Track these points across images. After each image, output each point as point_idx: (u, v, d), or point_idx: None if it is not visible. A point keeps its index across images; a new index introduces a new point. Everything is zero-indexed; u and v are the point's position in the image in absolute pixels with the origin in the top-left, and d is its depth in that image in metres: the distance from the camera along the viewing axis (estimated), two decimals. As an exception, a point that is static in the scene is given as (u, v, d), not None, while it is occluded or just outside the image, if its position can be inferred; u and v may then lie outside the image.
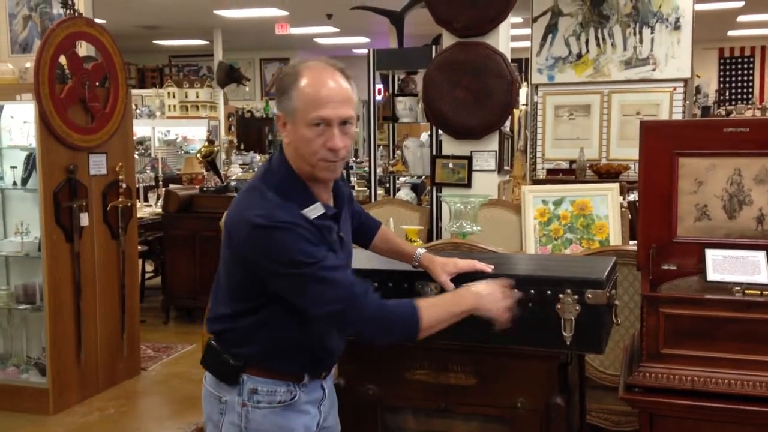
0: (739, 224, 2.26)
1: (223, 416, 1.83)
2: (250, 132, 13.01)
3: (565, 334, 1.96)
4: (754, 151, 2.22)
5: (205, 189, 6.03)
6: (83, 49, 4.56)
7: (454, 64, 4.77)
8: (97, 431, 3.91)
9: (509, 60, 4.87)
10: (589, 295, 1.95)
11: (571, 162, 6.49)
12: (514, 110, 10.45)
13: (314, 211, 1.75)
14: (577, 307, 1.95)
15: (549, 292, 1.99)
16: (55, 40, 3.97)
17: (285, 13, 10.86)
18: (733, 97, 14.09)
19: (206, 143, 9.09)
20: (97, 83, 4.27)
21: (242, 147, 11.82)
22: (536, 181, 6.47)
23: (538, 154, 6.85)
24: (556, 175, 6.41)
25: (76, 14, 4.33)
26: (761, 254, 2.15)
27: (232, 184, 6.15)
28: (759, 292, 2.06)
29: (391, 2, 6.59)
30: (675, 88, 6.30)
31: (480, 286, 1.88)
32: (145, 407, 4.33)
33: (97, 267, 4.33)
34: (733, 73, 14.32)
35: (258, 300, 1.78)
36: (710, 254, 2.19)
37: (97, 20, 11.46)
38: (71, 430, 3.91)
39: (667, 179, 2.29)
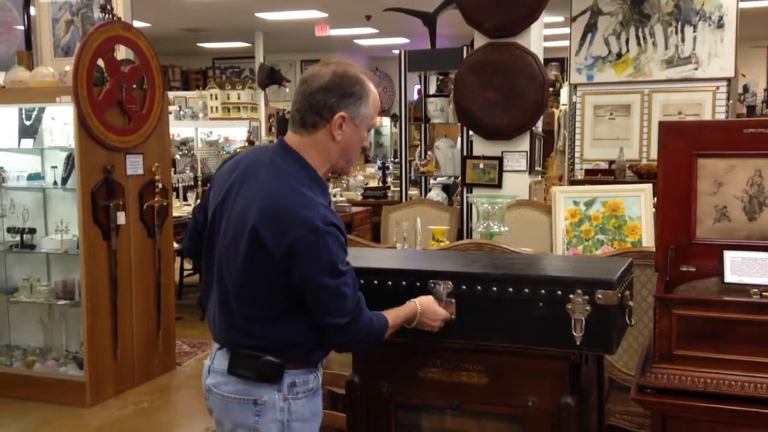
0: (759, 226, 2.23)
1: (260, 417, 1.88)
2: (291, 132, 13.11)
3: (575, 334, 1.97)
4: (774, 151, 2.19)
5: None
6: (122, 52, 4.69)
7: (485, 65, 4.78)
8: (131, 424, 4.02)
9: (541, 60, 4.85)
10: (600, 296, 1.95)
11: (611, 162, 6.42)
12: (555, 110, 10.39)
13: (332, 203, 1.96)
14: (588, 308, 1.95)
15: (559, 292, 1.99)
16: (93, 44, 4.09)
17: (324, 14, 10.95)
18: (783, 96, 13.71)
19: (246, 144, 9.24)
20: (134, 86, 4.39)
21: (283, 147, 11.94)
22: (573, 182, 6.42)
23: (577, 155, 6.79)
24: (594, 176, 6.34)
25: (115, 18, 4.44)
26: (781, 256, 2.12)
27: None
28: (776, 294, 2.03)
29: (424, 4, 6.61)
30: (718, 88, 6.19)
31: (425, 304, 2.06)
32: (179, 401, 4.43)
33: (133, 264, 4.45)
34: (783, 71, 13.92)
35: (287, 304, 1.84)
36: (728, 256, 2.17)
37: (142, 24, 11.69)
38: (106, 422, 4.03)
39: (686, 180, 2.27)
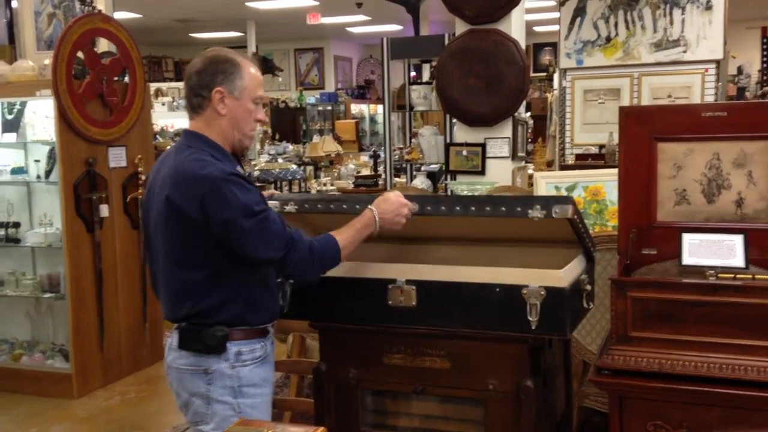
0: (718, 208, 2.25)
1: (211, 385, 2.04)
2: (285, 122, 13.14)
3: (530, 318, 1.99)
4: (732, 135, 2.20)
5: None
6: (104, 45, 4.70)
7: (466, 52, 4.77)
8: (117, 414, 4.06)
9: (522, 46, 4.86)
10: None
11: (601, 147, 6.42)
12: (548, 95, 10.34)
13: (240, 171, 2.05)
14: (542, 292, 1.98)
15: (516, 277, 2.02)
16: (72, 37, 4.10)
17: (315, 2, 10.93)
18: (777, 77, 13.64)
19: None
20: (115, 78, 4.40)
21: (277, 137, 11.97)
22: (564, 167, 6.42)
23: (567, 140, 6.79)
24: (585, 161, 6.34)
25: (95, 11, 4.45)
26: (738, 238, 2.14)
27: (255, 173, 6.26)
28: (732, 275, 2.06)
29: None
30: (707, 70, 6.18)
31: (382, 206, 2.10)
32: (165, 392, 4.44)
33: (118, 257, 4.48)
34: (777, 52, 13.84)
35: (218, 263, 1.99)
36: (687, 238, 2.19)
37: (133, 15, 11.58)
38: (93, 413, 4.07)
39: (647, 164, 2.29)
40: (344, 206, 2.25)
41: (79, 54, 4.21)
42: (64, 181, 4.13)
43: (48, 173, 4.34)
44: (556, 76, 9.34)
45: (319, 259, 2.01)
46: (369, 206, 2.10)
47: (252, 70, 2.06)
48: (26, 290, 4.39)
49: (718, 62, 6.14)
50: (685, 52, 6.14)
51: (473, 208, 2.09)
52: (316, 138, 11.39)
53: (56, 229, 4.30)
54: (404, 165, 6.34)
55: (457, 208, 2.11)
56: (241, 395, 2.06)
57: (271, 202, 2.27)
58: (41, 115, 4.36)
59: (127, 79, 4.51)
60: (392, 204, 2.11)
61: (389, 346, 2.23)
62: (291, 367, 3.40)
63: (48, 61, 4.18)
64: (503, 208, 2.05)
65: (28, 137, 4.45)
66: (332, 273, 2.20)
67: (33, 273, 4.50)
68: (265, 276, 2.09)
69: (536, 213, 1.99)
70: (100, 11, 4.54)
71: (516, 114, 4.89)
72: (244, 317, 2.05)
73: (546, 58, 14.03)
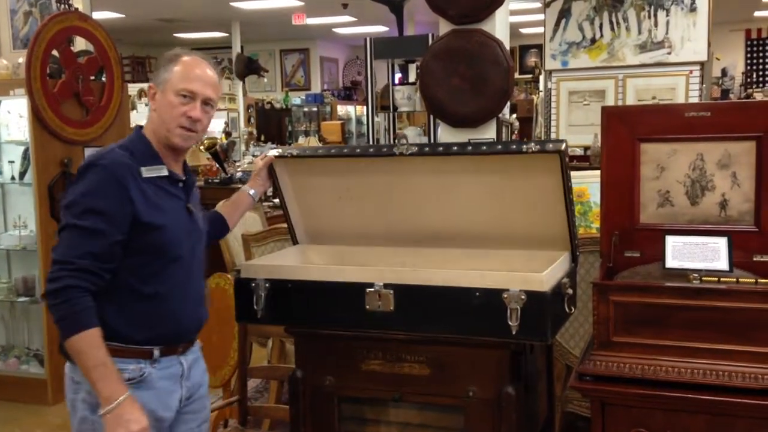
0: (702, 210, 2.21)
1: (77, 395, 1.92)
2: (270, 123, 13.05)
3: (510, 323, 1.94)
4: (716, 135, 2.16)
5: (210, 180, 6.08)
6: (81, 43, 4.61)
7: (450, 52, 4.71)
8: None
9: (506, 47, 4.81)
10: (536, 285, 1.92)
11: (586, 148, 6.40)
12: (534, 96, 10.34)
13: (155, 171, 1.93)
14: (523, 297, 1.92)
15: (496, 280, 1.96)
16: (46, 35, 4.02)
17: (300, 3, 10.86)
18: (761, 79, 13.73)
19: (223, 135, 9.16)
20: (91, 77, 4.32)
21: (262, 138, 11.89)
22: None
23: (552, 141, 6.75)
24: (570, 162, 6.30)
25: (72, 9, 4.37)
26: (722, 240, 2.10)
27: (238, 175, 6.19)
28: (716, 279, 2.02)
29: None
30: (691, 72, 6.19)
31: (126, 412, 1.80)
32: (144, 397, 4.38)
33: (94, 259, 4.38)
34: (760, 54, 13.92)
35: None
36: (670, 241, 2.15)
37: (116, 14, 11.48)
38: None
39: (629, 166, 2.25)
40: (345, 150, 2.37)
41: (55, 53, 4.13)
42: (39, 182, 4.05)
43: (22, 174, 4.25)
44: (541, 78, 9.35)
45: (61, 313, 1.81)
46: (127, 392, 1.81)
47: (186, 64, 1.94)
48: (1, 294, 4.30)
49: (702, 64, 6.15)
50: (669, 53, 6.14)
51: (470, 148, 2.13)
52: (301, 139, 11.31)
53: (31, 232, 4.21)
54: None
55: (454, 148, 2.16)
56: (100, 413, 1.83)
57: (271, 153, 2.32)
58: (15, 115, 4.27)
59: (104, 78, 4.43)
60: (135, 421, 1.80)
61: (367, 352, 2.17)
62: (269, 373, 3.34)
63: (22, 60, 4.09)
64: (499, 147, 2.18)
65: (2, 137, 4.35)
66: (308, 276, 2.16)
67: (8, 276, 4.40)
68: (166, 293, 1.91)
69: (531, 147, 2.04)
70: (76, 9, 4.46)
71: (500, 115, 4.84)
72: (121, 331, 1.86)
73: (532, 59, 14.02)
